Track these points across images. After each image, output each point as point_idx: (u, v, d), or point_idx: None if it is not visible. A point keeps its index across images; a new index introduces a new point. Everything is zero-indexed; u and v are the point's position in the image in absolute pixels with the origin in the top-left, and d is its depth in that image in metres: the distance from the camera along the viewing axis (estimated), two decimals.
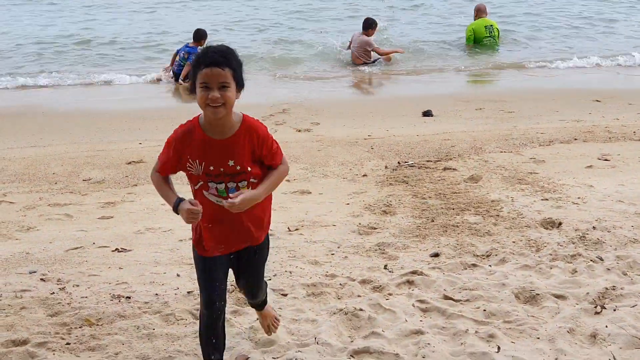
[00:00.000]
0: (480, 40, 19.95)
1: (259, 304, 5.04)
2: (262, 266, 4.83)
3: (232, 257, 4.58)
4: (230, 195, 4.27)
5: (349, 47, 18.85)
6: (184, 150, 4.37)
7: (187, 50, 17.15)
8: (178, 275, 6.23)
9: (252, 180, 4.35)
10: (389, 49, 18.95)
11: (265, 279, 4.95)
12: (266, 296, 5.06)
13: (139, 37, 21.95)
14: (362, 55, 18.32)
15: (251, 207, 4.34)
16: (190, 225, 4.46)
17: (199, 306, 5.58)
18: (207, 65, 4.13)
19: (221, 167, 4.28)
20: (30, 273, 6.35)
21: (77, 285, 6.06)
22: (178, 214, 4.27)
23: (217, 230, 4.43)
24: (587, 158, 9.92)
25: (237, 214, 4.33)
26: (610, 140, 10.92)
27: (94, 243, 7.09)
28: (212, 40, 17.56)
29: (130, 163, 10.06)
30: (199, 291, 4.57)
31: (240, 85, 4.24)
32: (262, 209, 4.54)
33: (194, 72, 4.23)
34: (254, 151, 4.32)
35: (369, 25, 18.54)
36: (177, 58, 17.29)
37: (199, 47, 17.08)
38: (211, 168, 4.30)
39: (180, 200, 4.30)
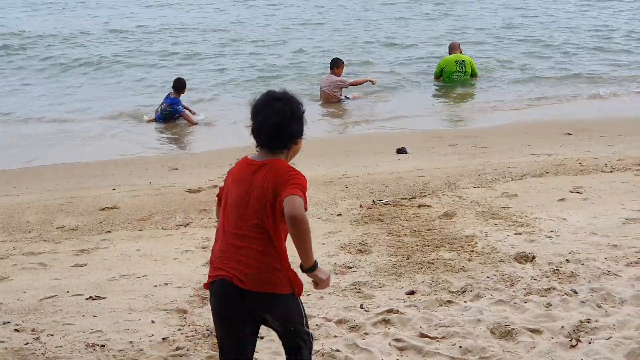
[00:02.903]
0: (449, 75, 20.09)
1: None
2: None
3: None
4: None
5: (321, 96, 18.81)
6: None
7: (170, 102, 17.10)
8: (153, 321, 6.20)
9: None
10: (361, 79, 19.09)
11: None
12: None
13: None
14: (334, 94, 18.42)
15: None
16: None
17: (174, 352, 5.60)
18: None
19: None
20: (4, 324, 6.29)
21: (52, 335, 6.02)
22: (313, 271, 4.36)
23: None
24: (560, 191, 9.98)
25: None
26: (582, 173, 10.99)
27: (68, 291, 7.05)
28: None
29: (104, 209, 10.03)
30: None
31: None
32: None
33: None
34: None
35: (337, 65, 18.69)
36: (160, 108, 17.18)
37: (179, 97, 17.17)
38: None
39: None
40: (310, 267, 4.31)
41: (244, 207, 4.36)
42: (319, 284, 4.39)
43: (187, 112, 17.03)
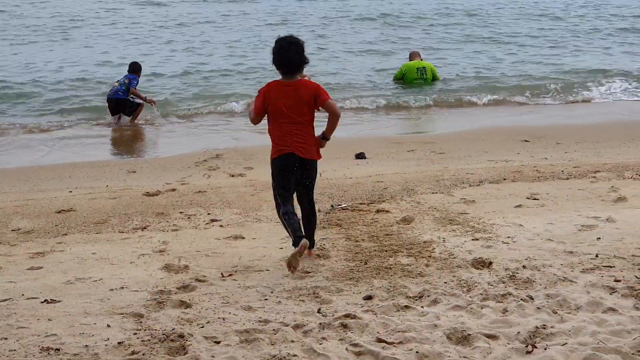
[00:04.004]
0: (410, 81, 20.25)
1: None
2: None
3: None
4: None
5: None
6: None
7: (128, 77, 17.41)
8: (108, 325, 6.14)
9: None
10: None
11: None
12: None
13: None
14: None
15: None
16: None
17: (129, 357, 5.55)
18: None
19: None
20: None
21: (5, 339, 5.94)
22: None
23: None
24: (517, 197, 10.07)
25: None
26: (538, 180, 11.10)
27: (22, 294, 6.96)
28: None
29: (60, 212, 9.94)
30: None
31: None
32: None
33: None
34: None
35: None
36: (117, 85, 17.27)
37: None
38: None
39: None
40: (328, 138, 7.89)
41: (297, 110, 7.57)
42: (323, 146, 7.93)
43: (136, 90, 17.44)
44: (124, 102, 17.35)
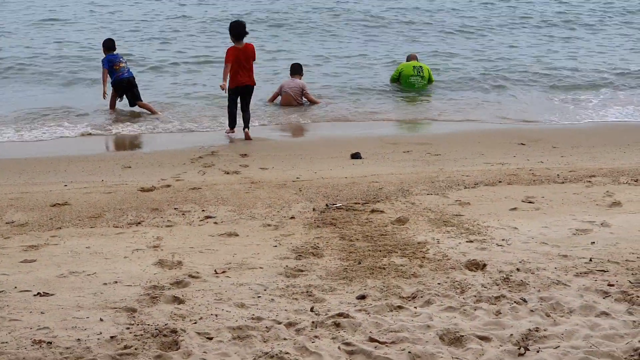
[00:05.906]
0: (407, 78, 20.23)
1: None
2: None
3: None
4: None
5: (277, 95, 18.79)
6: None
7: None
8: (101, 319, 6.13)
9: None
10: (317, 100, 19.00)
11: None
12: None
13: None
14: (297, 97, 18.50)
15: None
16: None
17: (121, 351, 5.54)
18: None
19: None
20: None
21: None
22: None
23: None
24: (512, 200, 10.07)
25: None
26: (534, 183, 11.10)
27: (15, 287, 6.95)
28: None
29: (54, 205, 9.92)
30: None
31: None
32: None
33: None
34: None
35: (300, 71, 18.92)
36: (123, 65, 17.46)
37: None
38: None
39: None
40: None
41: (246, 60, 15.18)
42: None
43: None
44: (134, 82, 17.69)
